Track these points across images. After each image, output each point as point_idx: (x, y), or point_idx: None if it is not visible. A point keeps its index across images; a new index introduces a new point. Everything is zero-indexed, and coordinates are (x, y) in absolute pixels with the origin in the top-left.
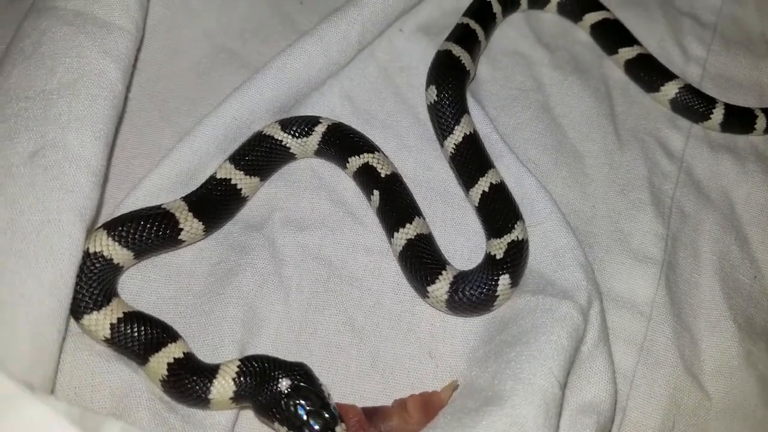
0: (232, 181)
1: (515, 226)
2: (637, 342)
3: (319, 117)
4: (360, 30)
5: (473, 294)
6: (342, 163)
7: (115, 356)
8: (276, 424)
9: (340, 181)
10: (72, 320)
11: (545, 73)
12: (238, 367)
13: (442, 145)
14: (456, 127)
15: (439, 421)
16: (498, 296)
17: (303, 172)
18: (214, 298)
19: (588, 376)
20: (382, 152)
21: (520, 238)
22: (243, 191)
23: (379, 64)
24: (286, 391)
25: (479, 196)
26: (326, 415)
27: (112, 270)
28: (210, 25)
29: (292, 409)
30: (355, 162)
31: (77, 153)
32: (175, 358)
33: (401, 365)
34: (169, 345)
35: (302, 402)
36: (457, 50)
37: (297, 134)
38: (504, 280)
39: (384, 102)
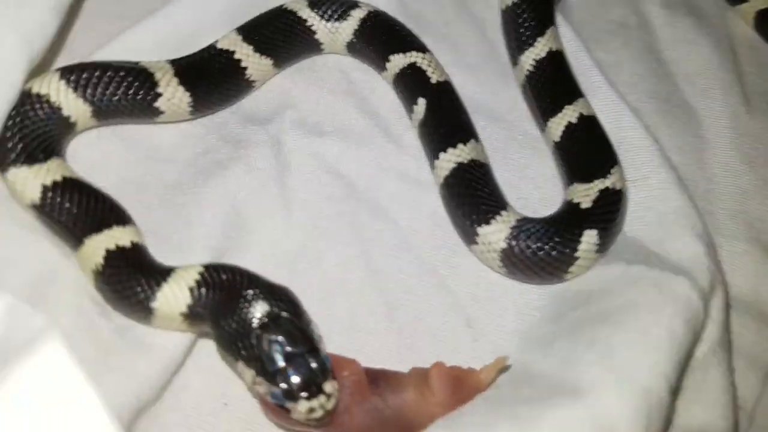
0: (236, 55)
1: (611, 171)
2: (763, 364)
3: (359, 1)
4: None
5: (542, 248)
6: (381, 62)
7: (45, 233)
8: (240, 365)
9: (376, 89)
10: None
11: (652, 11)
12: (200, 274)
13: (515, 63)
14: (539, 39)
15: (477, 407)
16: (578, 258)
17: (329, 71)
18: (191, 191)
19: (699, 390)
20: (435, 57)
21: (616, 188)
22: (248, 72)
23: None
24: (260, 321)
25: (562, 129)
26: (313, 364)
27: (60, 123)
28: None
29: (266, 346)
30: (398, 61)
31: None
32: (117, 246)
33: (427, 328)
34: (114, 228)
35: (281, 339)
36: None
37: (328, 16)
38: (589, 237)
39: (443, 8)
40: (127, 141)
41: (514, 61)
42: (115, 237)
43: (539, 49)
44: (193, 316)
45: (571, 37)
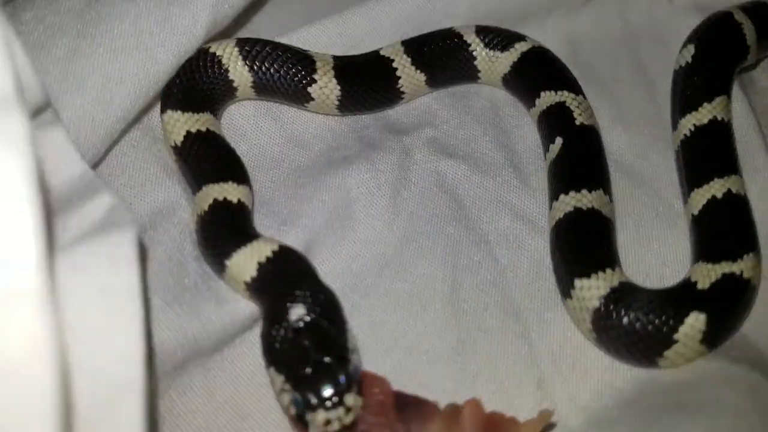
0: (394, 64)
1: (744, 257)
2: None
3: (526, 36)
4: None
5: (638, 318)
6: (531, 98)
7: (177, 177)
8: (271, 370)
9: (520, 126)
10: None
11: None
12: (273, 252)
13: (675, 127)
14: (705, 105)
15: None
16: (676, 342)
17: (479, 100)
18: (313, 175)
19: None
20: (588, 102)
21: (744, 276)
22: (401, 82)
23: (626, 25)
24: (294, 326)
25: (704, 202)
26: (339, 375)
27: (224, 85)
28: None
29: (295, 352)
30: (548, 98)
31: None
32: (225, 198)
33: (492, 374)
34: (230, 183)
35: (311, 346)
36: (741, 17)
37: (491, 45)
38: (695, 320)
39: (616, 63)
40: (278, 121)
41: (674, 124)
42: (227, 191)
43: (702, 114)
44: (253, 289)
45: (745, 113)
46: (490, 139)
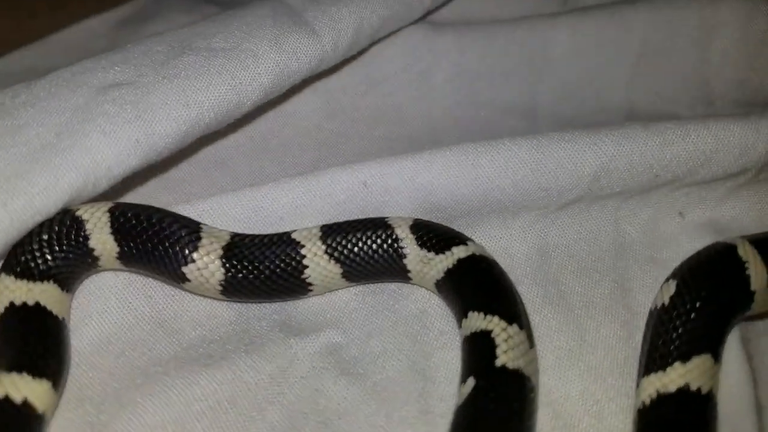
0: (303, 251)
1: None
2: None
3: (470, 239)
4: (602, 166)
5: None
6: (460, 315)
7: None
8: None
9: (447, 348)
10: None
11: None
12: None
13: (638, 384)
14: (676, 365)
15: None
16: None
17: (409, 306)
18: (157, 375)
19: None
20: (528, 334)
21: None
22: (309, 273)
23: (620, 237)
24: None
25: None
26: None
27: (82, 253)
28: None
29: None
30: (474, 322)
31: (150, 104)
32: (6, 396)
33: None
34: (23, 375)
35: None
36: (748, 251)
37: (426, 244)
38: None
39: (592, 286)
40: (152, 299)
41: (641, 374)
42: (15, 385)
43: (670, 378)
44: None
45: (741, 381)
46: (404, 357)
